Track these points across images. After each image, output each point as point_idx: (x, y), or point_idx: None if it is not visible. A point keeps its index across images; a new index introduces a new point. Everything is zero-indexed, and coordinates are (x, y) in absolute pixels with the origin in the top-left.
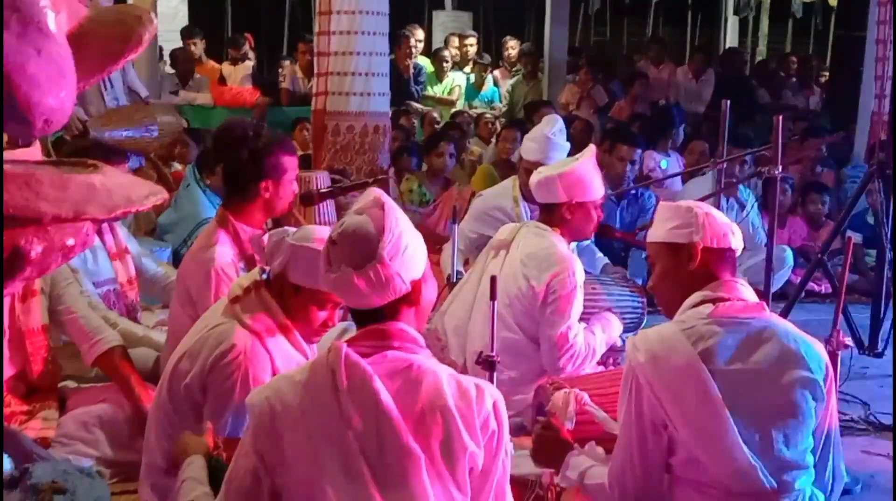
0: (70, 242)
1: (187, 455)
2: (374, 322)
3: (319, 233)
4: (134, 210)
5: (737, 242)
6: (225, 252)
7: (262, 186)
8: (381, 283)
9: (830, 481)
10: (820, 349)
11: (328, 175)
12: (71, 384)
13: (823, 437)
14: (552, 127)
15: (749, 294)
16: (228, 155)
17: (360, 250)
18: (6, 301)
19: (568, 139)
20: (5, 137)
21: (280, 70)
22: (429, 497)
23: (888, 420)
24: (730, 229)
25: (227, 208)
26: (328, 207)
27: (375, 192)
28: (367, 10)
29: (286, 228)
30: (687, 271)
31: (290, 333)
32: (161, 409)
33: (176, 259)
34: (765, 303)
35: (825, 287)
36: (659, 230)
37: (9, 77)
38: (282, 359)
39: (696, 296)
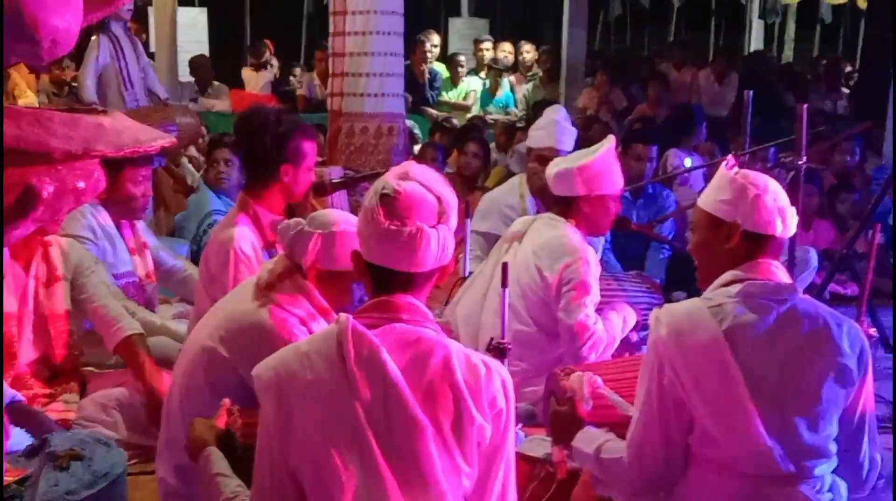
0: (80, 184)
1: (201, 442)
2: (401, 290)
3: (336, 215)
4: (142, 150)
5: (784, 229)
6: (244, 234)
7: (281, 169)
8: (444, 246)
9: (866, 467)
10: (856, 331)
11: (341, 169)
12: (92, 370)
13: (857, 422)
14: (558, 113)
15: (783, 276)
16: (251, 139)
17: (429, 210)
18: (30, 285)
19: (587, 142)
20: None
21: (292, 78)
22: (436, 467)
23: None
24: (778, 215)
25: (247, 193)
26: (340, 197)
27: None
28: (382, 9)
29: (298, 219)
30: (723, 248)
31: (328, 315)
32: (193, 389)
33: (190, 253)
34: (797, 284)
35: (851, 290)
36: (708, 198)
37: None
38: None
39: (727, 275)
